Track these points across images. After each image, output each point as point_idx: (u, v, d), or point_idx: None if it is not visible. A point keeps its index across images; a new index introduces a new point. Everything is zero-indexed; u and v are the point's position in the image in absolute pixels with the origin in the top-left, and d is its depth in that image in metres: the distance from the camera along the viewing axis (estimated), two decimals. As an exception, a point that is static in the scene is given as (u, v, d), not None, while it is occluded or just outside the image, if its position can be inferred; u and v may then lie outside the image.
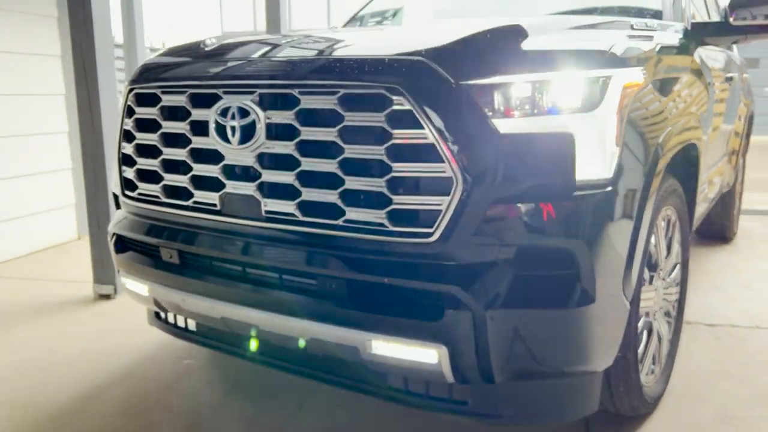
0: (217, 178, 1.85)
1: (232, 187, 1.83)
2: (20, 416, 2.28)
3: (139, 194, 2.09)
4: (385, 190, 1.58)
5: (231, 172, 1.84)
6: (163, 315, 2.34)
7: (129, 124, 2.08)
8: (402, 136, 1.56)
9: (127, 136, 2.10)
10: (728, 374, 2.53)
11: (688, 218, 2.40)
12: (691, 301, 3.21)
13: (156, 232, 2.06)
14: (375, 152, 1.59)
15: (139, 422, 2.22)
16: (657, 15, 2.79)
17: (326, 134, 1.65)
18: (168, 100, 1.96)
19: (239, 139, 1.76)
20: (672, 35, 2.46)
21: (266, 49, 2.00)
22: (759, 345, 2.83)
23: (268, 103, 1.75)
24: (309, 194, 1.70)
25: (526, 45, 1.69)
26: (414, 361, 1.64)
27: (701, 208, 3.15)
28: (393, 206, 1.58)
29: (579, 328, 1.60)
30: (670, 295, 2.32)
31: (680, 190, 2.25)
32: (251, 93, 1.76)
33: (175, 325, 2.30)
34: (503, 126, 1.54)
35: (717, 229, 4.64)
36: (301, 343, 1.81)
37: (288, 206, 1.73)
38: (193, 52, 2.16)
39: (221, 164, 1.83)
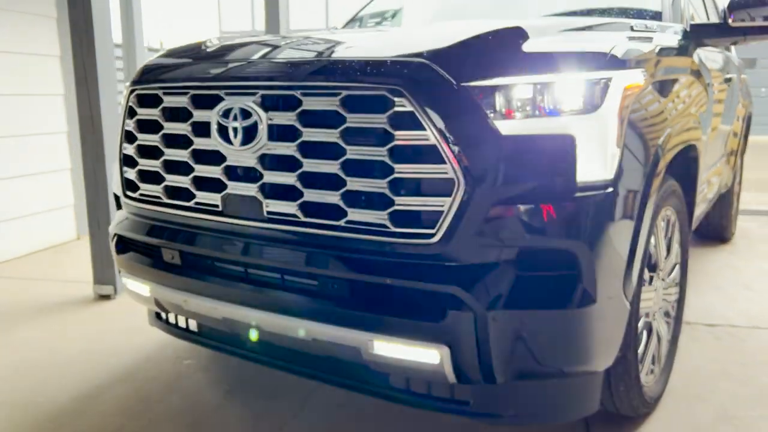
0: (219, 178, 1.86)
1: (234, 187, 1.83)
2: (20, 416, 2.28)
3: (141, 195, 2.10)
4: (387, 191, 1.59)
5: (233, 173, 1.84)
6: (164, 315, 2.34)
7: (130, 125, 2.08)
8: (404, 137, 1.57)
9: (129, 137, 2.10)
10: (728, 374, 2.54)
11: (687, 219, 2.41)
12: (691, 301, 3.22)
13: (158, 232, 2.06)
14: (377, 153, 1.59)
15: (140, 422, 2.22)
16: (656, 16, 2.80)
17: (328, 135, 1.65)
18: (170, 101, 1.96)
19: (241, 140, 1.76)
20: (671, 36, 2.47)
21: (268, 50, 2.00)
22: (759, 345, 2.84)
23: (270, 104, 1.76)
24: (311, 195, 1.70)
25: (528, 47, 1.69)
26: (416, 361, 1.65)
27: (700, 209, 3.16)
28: (395, 207, 1.59)
29: (580, 328, 1.60)
30: (669, 296, 2.33)
31: (679, 190, 2.26)
32: (253, 94, 1.76)
33: (176, 326, 2.30)
34: (504, 127, 1.55)
35: (715, 230, 4.65)
36: (303, 343, 1.81)
37: (290, 207, 1.73)
38: (195, 53, 2.16)
39: (223, 165, 1.84)
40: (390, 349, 1.65)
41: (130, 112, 2.09)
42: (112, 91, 3.50)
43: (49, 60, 4.72)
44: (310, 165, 1.69)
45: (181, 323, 2.27)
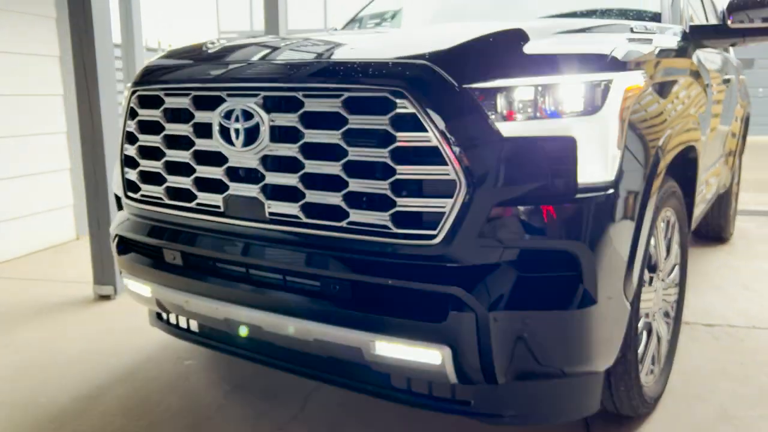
0: (220, 180, 1.86)
1: (236, 189, 1.84)
2: (21, 416, 2.28)
3: (142, 196, 2.10)
4: (388, 193, 1.60)
5: (235, 174, 1.85)
6: (164, 316, 2.35)
7: (131, 126, 2.09)
8: (405, 138, 1.57)
9: (130, 138, 2.11)
10: (727, 374, 2.55)
11: (686, 219, 2.42)
12: (690, 301, 3.23)
13: (159, 233, 2.06)
14: (379, 155, 1.60)
15: (140, 422, 2.22)
16: (656, 17, 2.81)
17: (330, 137, 1.66)
18: (171, 102, 1.96)
19: (243, 141, 1.77)
20: (671, 38, 2.48)
21: (270, 51, 2.00)
22: (757, 344, 2.85)
23: (272, 105, 1.76)
24: (313, 196, 1.71)
25: (528, 49, 1.70)
26: (417, 361, 1.65)
27: (699, 209, 3.17)
28: (396, 208, 1.60)
29: (581, 329, 1.61)
30: (669, 296, 2.34)
31: (679, 191, 2.27)
32: (255, 95, 1.77)
33: (177, 326, 2.31)
34: (506, 129, 1.56)
35: (714, 230, 4.67)
36: (304, 343, 1.82)
37: (292, 208, 1.74)
38: (196, 54, 2.16)
39: (225, 166, 1.84)
40: (392, 349, 1.66)
41: (132, 113, 2.09)
42: (112, 91, 3.50)
43: (48, 60, 4.72)
44: (312, 166, 1.70)
45: (182, 324, 2.28)
